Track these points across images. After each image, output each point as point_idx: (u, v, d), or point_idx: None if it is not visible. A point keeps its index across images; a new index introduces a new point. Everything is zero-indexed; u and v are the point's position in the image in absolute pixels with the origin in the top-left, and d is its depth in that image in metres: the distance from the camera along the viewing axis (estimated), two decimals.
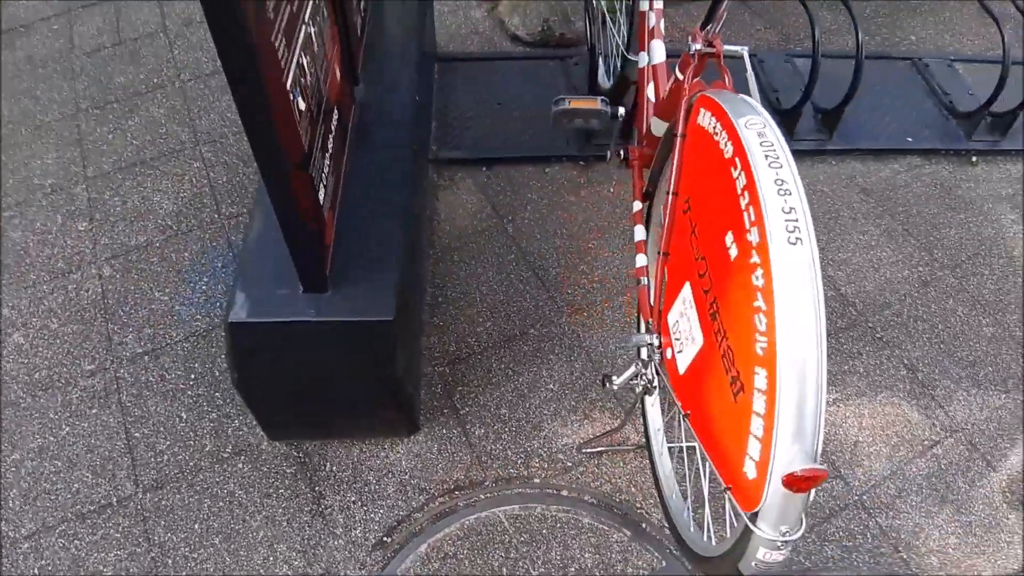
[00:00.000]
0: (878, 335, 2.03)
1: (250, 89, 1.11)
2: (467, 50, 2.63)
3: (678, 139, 1.27)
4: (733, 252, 1.03)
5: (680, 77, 1.42)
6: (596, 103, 1.62)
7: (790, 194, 0.97)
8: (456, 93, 2.46)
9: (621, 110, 1.67)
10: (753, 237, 0.97)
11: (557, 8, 2.61)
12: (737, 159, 1.04)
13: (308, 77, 1.39)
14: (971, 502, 1.76)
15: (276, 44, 1.18)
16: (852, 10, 2.29)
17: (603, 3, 2.28)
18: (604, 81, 2.27)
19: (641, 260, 1.51)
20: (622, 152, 1.74)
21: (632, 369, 1.35)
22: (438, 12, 2.63)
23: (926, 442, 1.85)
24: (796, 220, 0.95)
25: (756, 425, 0.95)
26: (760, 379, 0.94)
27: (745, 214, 1.00)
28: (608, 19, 2.26)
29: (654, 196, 1.61)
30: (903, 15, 2.99)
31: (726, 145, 1.08)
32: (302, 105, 1.33)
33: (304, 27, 1.37)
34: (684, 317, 1.21)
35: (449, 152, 2.29)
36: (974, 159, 2.55)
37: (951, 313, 2.11)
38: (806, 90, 2.36)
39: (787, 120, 2.47)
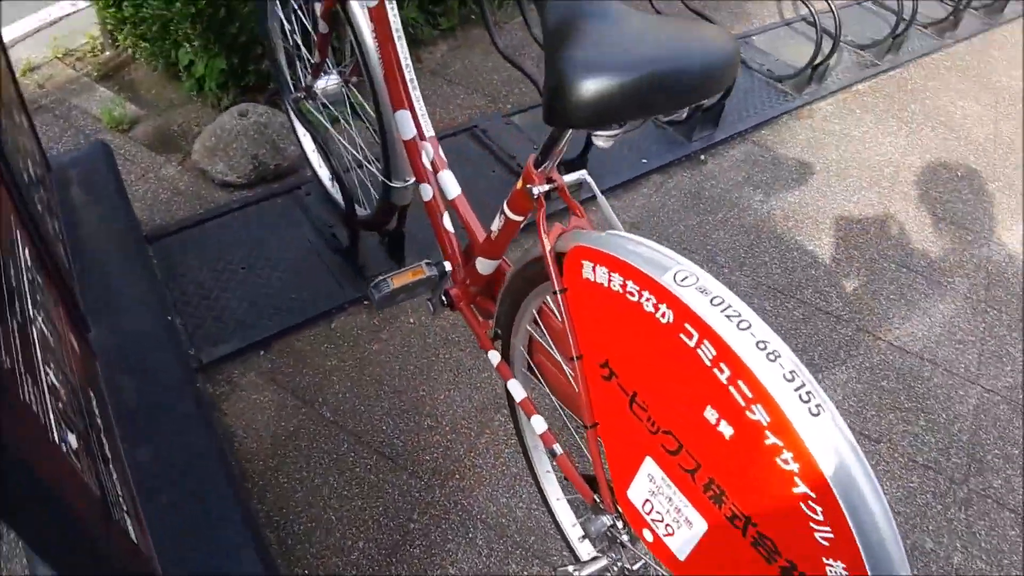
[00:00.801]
0: None
1: (17, 489, 0.73)
2: (177, 217, 2.19)
3: (558, 295, 1.09)
4: (727, 431, 0.87)
5: (514, 217, 1.24)
6: (423, 271, 1.37)
7: (781, 356, 0.83)
8: (188, 273, 2.03)
9: (448, 265, 1.44)
10: (759, 416, 0.82)
11: (262, 140, 2.28)
12: (688, 325, 0.88)
13: (62, 390, 0.98)
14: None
15: (27, 399, 0.79)
16: None
17: (321, 118, 2.03)
18: (356, 207, 2.01)
19: (540, 424, 1.30)
20: (444, 298, 1.52)
21: (603, 561, 1.15)
22: (125, 183, 2.14)
23: None
24: (804, 386, 0.81)
25: None
26: (837, 571, 0.80)
27: (732, 389, 0.84)
28: (337, 136, 2.01)
29: (508, 338, 1.41)
30: None
31: (657, 308, 0.91)
32: (74, 442, 0.93)
33: (33, 327, 0.96)
34: (660, 496, 1.03)
35: (213, 350, 1.87)
36: (703, 158, 2.71)
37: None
38: None
39: None
